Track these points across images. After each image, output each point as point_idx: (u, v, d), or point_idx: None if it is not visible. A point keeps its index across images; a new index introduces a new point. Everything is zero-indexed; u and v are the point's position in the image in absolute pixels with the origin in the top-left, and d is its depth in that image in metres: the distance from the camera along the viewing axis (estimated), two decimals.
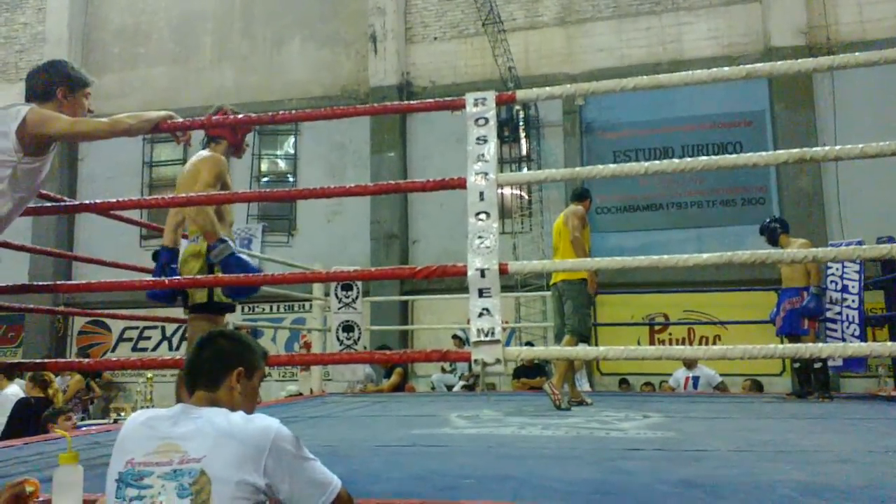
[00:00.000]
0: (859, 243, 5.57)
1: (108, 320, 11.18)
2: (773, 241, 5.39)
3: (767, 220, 5.66)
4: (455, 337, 8.76)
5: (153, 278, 3.07)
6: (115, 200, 2.94)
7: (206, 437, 1.38)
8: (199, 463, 1.34)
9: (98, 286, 3.28)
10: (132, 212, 8.15)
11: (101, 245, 9.98)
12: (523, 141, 9.97)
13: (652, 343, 9.21)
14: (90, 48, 12.26)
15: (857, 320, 5.58)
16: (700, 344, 8.93)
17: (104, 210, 3.16)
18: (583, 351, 3.93)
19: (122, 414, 8.37)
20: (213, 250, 2.76)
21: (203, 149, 3.17)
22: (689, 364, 7.14)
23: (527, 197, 10.12)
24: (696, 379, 7.08)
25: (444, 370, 8.76)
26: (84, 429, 4.77)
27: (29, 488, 1.61)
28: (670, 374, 7.52)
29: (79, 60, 12.11)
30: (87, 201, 3.36)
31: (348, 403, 5.49)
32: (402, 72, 10.62)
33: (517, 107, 9.75)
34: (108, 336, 11.34)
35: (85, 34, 12.26)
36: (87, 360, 7.85)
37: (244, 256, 2.78)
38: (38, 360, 5.88)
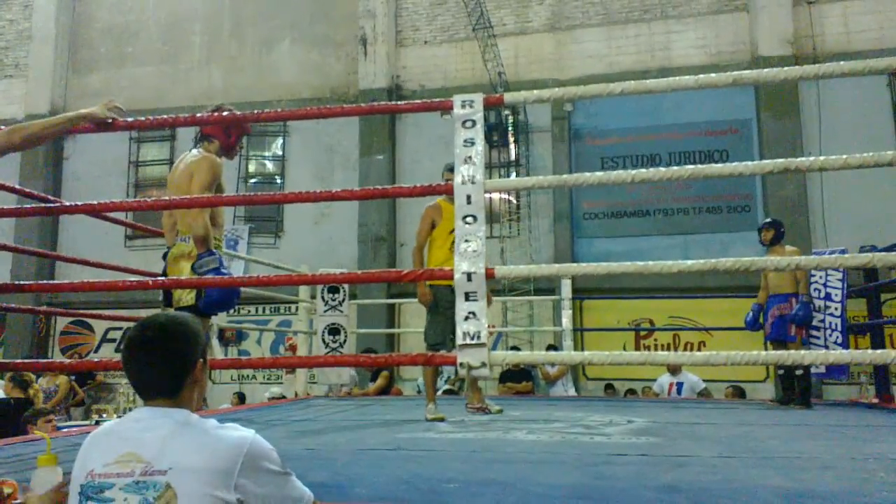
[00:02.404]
0: (843, 252, 5.63)
1: (91, 321, 11.06)
2: (775, 241, 5.35)
3: (773, 219, 5.60)
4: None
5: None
6: (96, 203, 2.91)
7: (170, 447, 1.26)
8: (164, 476, 1.23)
9: (81, 286, 3.24)
10: (118, 212, 8.09)
11: (86, 245, 9.89)
12: (512, 146, 9.99)
13: (637, 348, 9.24)
14: (77, 46, 12.15)
15: (839, 328, 5.63)
16: (685, 349, 8.99)
17: (88, 212, 3.12)
18: (567, 356, 3.92)
19: (105, 416, 8.28)
20: (200, 260, 2.74)
21: (194, 147, 3.12)
22: (674, 370, 7.17)
23: (515, 201, 10.14)
24: (680, 385, 7.12)
25: None
26: (65, 430, 4.71)
27: (7, 490, 1.58)
28: (654, 381, 7.55)
29: (65, 58, 12.03)
30: (71, 203, 3.32)
31: (333, 407, 5.46)
32: (391, 75, 10.62)
33: (506, 112, 9.78)
34: (91, 337, 11.22)
35: (72, 32, 12.16)
36: (68, 360, 7.76)
37: (226, 276, 2.76)
38: (18, 361, 5.80)
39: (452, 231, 4.33)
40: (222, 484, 1.24)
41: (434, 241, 4.42)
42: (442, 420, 4.15)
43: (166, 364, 1.34)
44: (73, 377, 8.57)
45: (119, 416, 1.49)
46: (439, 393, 7.95)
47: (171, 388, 1.35)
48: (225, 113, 2.94)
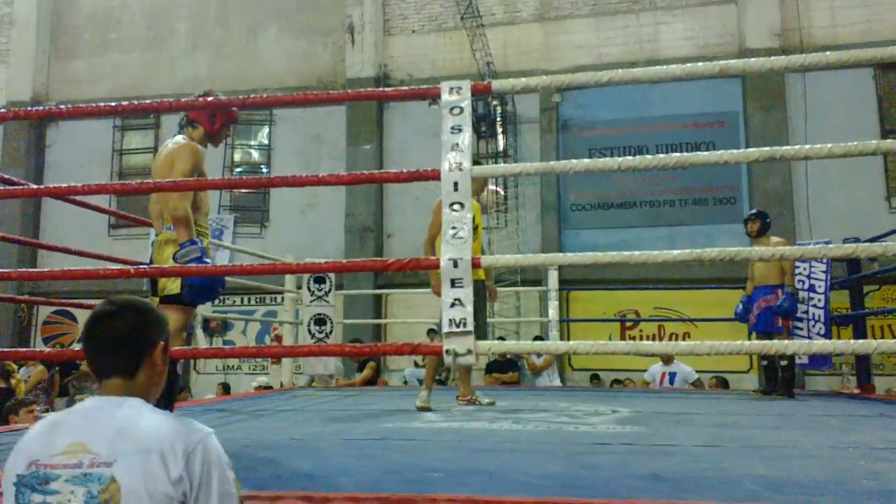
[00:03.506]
0: (826, 244, 5.67)
1: (74, 310, 10.94)
2: (761, 232, 5.37)
3: (759, 210, 5.61)
4: (430, 331, 8.74)
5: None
6: (80, 185, 2.86)
7: (119, 438, 1.19)
8: (109, 468, 1.16)
9: (62, 274, 3.19)
10: (101, 200, 7.99)
11: (69, 234, 9.78)
12: (500, 137, 9.98)
13: (623, 339, 9.29)
14: (60, 32, 11.96)
15: (823, 319, 5.68)
16: (670, 340, 9.04)
17: (65, 195, 3.07)
18: (553, 345, 3.92)
19: None
20: (181, 249, 2.70)
21: (179, 132, 3.07)
22: (666, 360, 7.21)
23: (503, 193, 10.13)
24: (672, 375, 7.15)
25: (416, 364, 8.74)
26: None
27: None
28: (641, 371, 7.60)
29: (47, 44, 11.84)
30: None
31: (319, 397, 5.44)
32: (379, 64, 10.55)
33: (494, 102, 9.75)
34: (74, 326, 11.11)
35: (54, 17, 11.96)
36: (48, 350, 7.68)
37: (208, 265, 2.73)
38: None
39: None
40: (166, 479, 1.16)
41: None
42: (428, 410, 4.16)
43: (126, 338, 1.30)
44: (56, 367, 8.47)
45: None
46: None
47: (128, 366, 1.30)
48: (211, 98, 2.89)
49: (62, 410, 1.34)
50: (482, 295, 4.45)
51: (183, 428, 1.24)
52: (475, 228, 4.46)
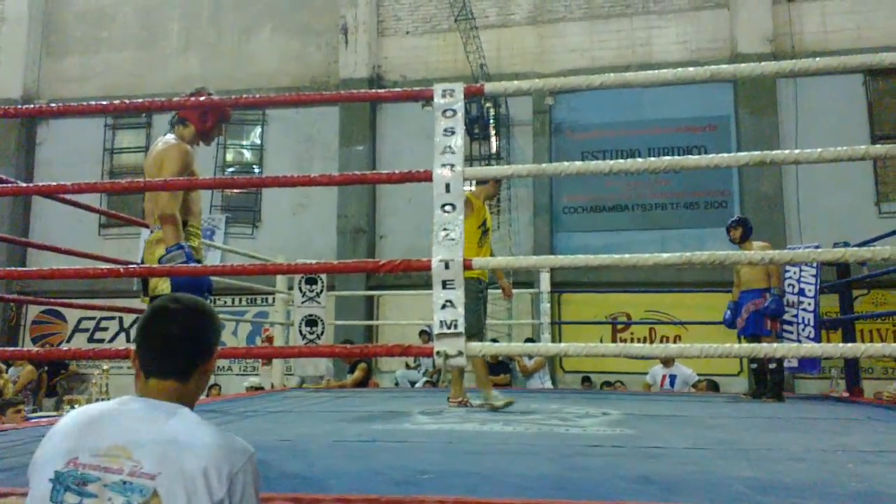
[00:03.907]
0: (816, 247, 5.71)
1: (63, 310, 10.88)
2: (744, 238, 5.39)
3: (740, 217, 5.64)
4: (422, 332, 8.74)
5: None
6: (69, 184, 2.85)
7: (167, 452, 1.14)
8: (152, 480, 1.12)
9: (50, 273, 3.17)
10: (91, 199, 7.94)
11: (59, 233, 9.71)
12: (493, 139, 9.99)
13: (614, 342, 9.31)
14: (51, 29, 11.89)
15: (812, 322, 5.71)
16: (661, 343, 9.07)
17: (55, 193, 3.05)
18: (543, 347, 3.93)
19: (76, 406, 8.14)
20: (168, 254, 2.69)
21: (170, 131, 3.04)
22: (666, 362, 7.23)
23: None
24: (672, 377, 7.17)
25: (408, 366, 8.74)
26: (34, 420, 4.63)
27: None
28: (633, 373, 7.62)
29: (39, 41, 11.77)
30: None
31: (310, 398, 5.43)
32: (373, 65, 10.54)
33: (488, 105, 9.76)
34: (64, 326, 11.04)
35: (46, 14, 11.89)
36: (37, 349, 7.63)
37: (198, 266, 2.74)
38: None
39: (481, 226, 4.45)
40: (208, 500, 1.13)
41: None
42: (511, 403, 4.27)
43: (188, 340, 1.26)
44: (45, 367, 8.42)
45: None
46: (418, 385, 7.98)
47: (185, 367, 1.25)
48: (202, 98, 2.88)
49: (100, 403, 1.27)
50: (475, 295, 4.40)
51: (229, 447, 1.19)
52: (486, 231, 4.51)
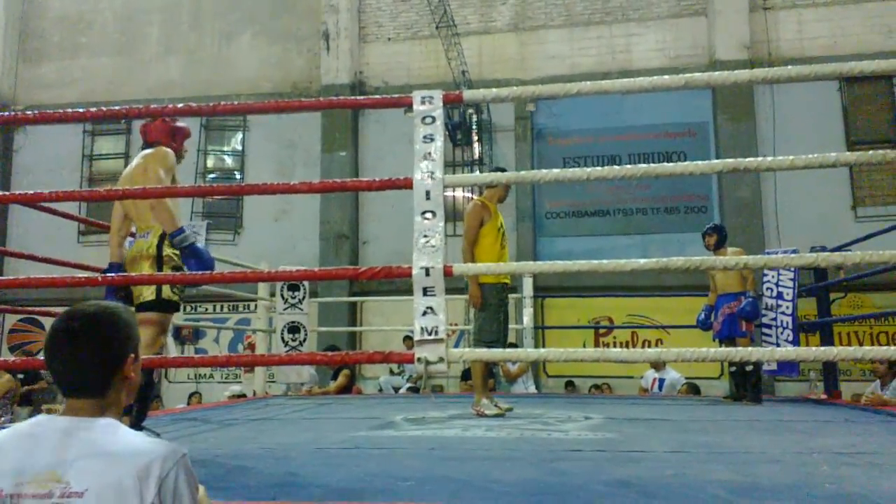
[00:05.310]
0: (794, 252, 5.79)
1: (41, 319, 10.72)
2: (719, 245, 5.44)
3: (715, 224, 5.72)
4: (407, 338, 8.72)
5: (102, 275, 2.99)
6: (47, 192, 2.82)
7: (91, 466, 1.12)
8: (81, 498, 1.10)
9: (26, 282, 3.13)
10: (70, 206, 7.85)
11: (37, 240, 9.58)
12: (475, 145, 10.03)
13: (597, 346, 9.36)
14: (28, 35, 11.75)
15: (790, 326, 5.79)
16: (643, 347, 9.13)
17: (33, 201, 3.02)
18: (524, 352, 3.95)
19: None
20: (178, 236, 2.78)
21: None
22: (657, 366, 7.28)
23: None
24: (661, 381, 7.22)
25: (392, 372, 8.72)
26: None
27: None
28: (620, 377, 7.68)
29: (15, 47, 11.63)
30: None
31: (292, 406, 5.40)
32: (354, 71, 10.54)
33: (470, 111, 9.80)
34: (42, 335, 10.87)
35: (23, 20, 11.75)
36: (13, 358, 7.52)
37: (201, 246, 2.82)
38: None
39: (500, 228, 4.46)
40: (142, 501, 1.11)
41: (484, 239, 4.43)
42: (510, 410, 4.24)
43: (94, 357, 1.20)
44: (20, 376, 8.28)
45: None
46: (402, 391, 7.96)
47: (99, 384, 1.21)
48: (181, 106, 2.91)
49: (23, 425, 1.21)
50: (497, 302, 4.40)
51: (157, 452, 1.16)
52: (504, 233, 4.53)
